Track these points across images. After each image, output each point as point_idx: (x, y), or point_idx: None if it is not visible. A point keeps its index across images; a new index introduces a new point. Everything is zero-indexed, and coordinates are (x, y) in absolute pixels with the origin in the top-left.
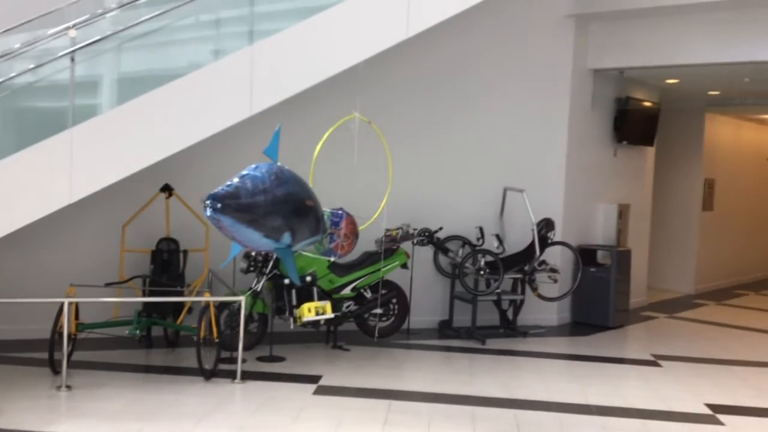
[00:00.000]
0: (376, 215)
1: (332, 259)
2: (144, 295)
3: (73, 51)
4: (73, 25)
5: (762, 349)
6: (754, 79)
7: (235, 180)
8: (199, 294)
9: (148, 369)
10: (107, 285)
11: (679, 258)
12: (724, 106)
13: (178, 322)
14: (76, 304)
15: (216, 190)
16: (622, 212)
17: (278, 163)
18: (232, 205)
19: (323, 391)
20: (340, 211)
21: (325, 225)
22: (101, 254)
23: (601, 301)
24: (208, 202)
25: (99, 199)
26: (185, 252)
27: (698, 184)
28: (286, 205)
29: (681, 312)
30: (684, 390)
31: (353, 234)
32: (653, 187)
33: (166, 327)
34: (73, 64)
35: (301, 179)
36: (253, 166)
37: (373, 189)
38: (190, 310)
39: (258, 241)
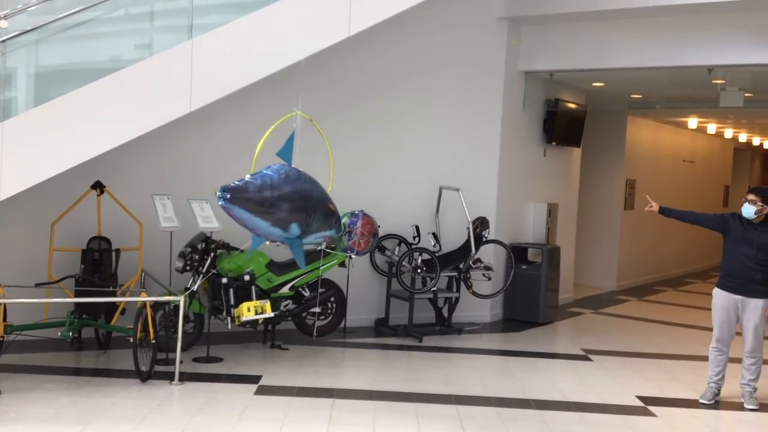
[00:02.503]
0: None
1: (352, 255)
2: (75, 295)
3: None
4: (4, 15)
5: (683, 342)
6: (672, 83)
7: (247, 177)
8: (134, 294)
9: (81, 372)
10: (37, 285)
11: (602, 255)
12: (645, 109)
13: (112, 323)
14: (4, 305)
15: (228, 184)
16: (551, 211)
17: (291, 165)
18: (241, 197)
19: (265, 391)
20: (358, 212)
21: (341, 223)
22: (30, 253)
23: (532, 298)
24: (219, 193)
25: (27, 196)
26: (118, 251)
27: (620, 184)
28: (292, 201)
29: (605, 308)
30: (615, 383)
31: (369, 233)
32: (579, 187)
33: (99, 328)
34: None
35: (311, 179)
36: (268, 166)
37: None
38: (123, 311)
39: (267, 229)
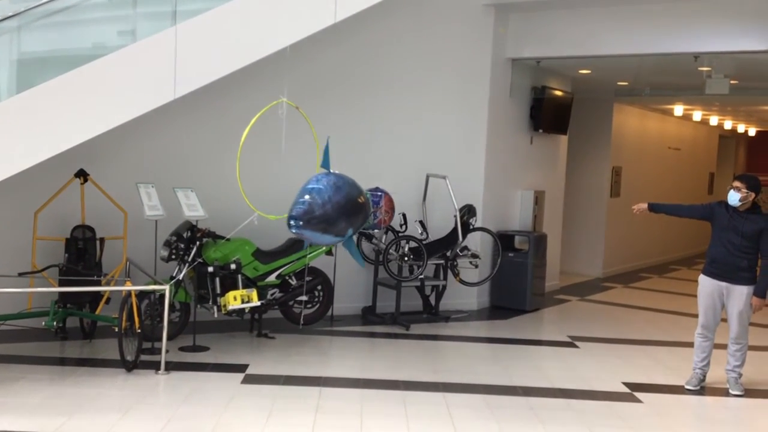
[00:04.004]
0: None
1: (377, 231)
2: (59, 284)
3: None
4: None
5: (669, 329)
6: (658, 70)
7: (306, 197)
8: (119, 283)
9: (66, 361)
10: (21, 275)
11: (588, 243)
12: (631, 97)
13: (97, 312)
14: None
15: (295, 211)
16: (538, 198)
17: (332, 171)
18: (310, 219)
19: (251, 380)
20: (379, 192)
21: (370, 207)
22: (12, 242)
23: (519, 286)
24: (292, 222)
25: (9, 185)
26: (102, 240)
27: (606, 171)
28: (345, 207)
29: (592, 295)
30: (601, 369)
31: (392, 209)
32: (566, 174)
33: (84, 318)
34: None
35: (350, 180)
36: (314, 178)
37: (299, 175)
38: (108, 300)
39: (331, 240)
